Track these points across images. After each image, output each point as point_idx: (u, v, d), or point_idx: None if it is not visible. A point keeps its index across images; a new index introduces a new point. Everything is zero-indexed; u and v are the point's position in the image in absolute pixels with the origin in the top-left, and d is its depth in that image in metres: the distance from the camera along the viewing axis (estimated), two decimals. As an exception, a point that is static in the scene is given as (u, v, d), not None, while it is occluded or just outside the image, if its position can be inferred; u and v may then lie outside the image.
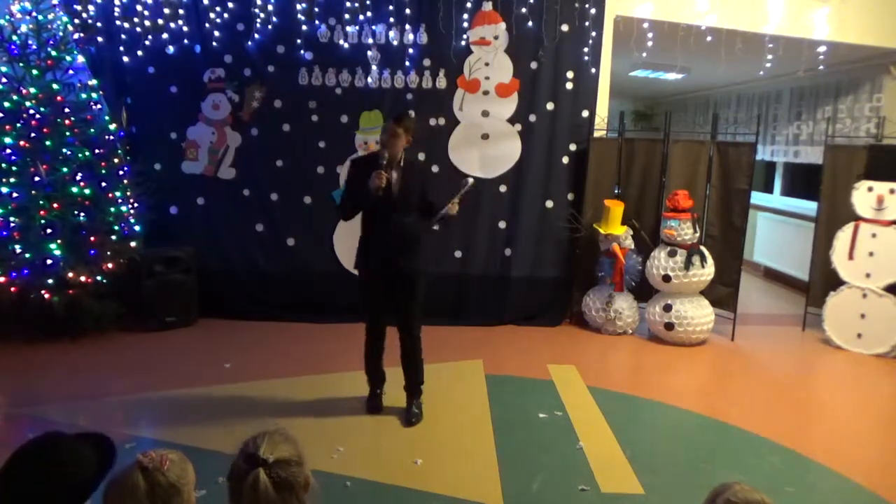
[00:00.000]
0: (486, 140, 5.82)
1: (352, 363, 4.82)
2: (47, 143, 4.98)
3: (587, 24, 5.68)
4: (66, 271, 4.90)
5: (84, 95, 5.25)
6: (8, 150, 4.89)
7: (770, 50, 5.91)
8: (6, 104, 4.92)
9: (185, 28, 5.64)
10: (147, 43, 5.64)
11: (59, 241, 4.91)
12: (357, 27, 5.67)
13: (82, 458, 1.55)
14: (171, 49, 5.69)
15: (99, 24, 5.60)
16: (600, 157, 5.89)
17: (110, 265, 5.18)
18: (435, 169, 5.83)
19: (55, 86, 5.08)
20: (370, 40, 5.69)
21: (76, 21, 5.44)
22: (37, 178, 4.91)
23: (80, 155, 5.12)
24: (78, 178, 5.07)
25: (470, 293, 5.94)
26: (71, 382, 4.35)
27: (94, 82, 5.37)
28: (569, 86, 5.82)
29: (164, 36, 5.64)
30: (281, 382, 4.43)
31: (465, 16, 5.65)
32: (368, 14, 5.63)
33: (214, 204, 5.86)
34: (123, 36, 5.64)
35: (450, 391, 4.13)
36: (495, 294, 5.95)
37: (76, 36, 5.35)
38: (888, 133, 5.81)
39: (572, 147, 5.91)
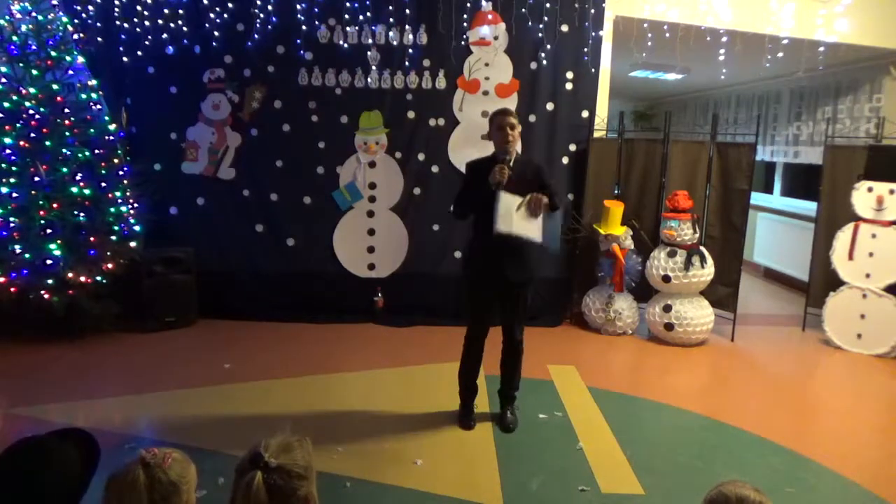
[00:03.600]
0: (485, 140, 5.80)
1: (352, 364, 4.84)
2: (47, 143, 4.97)
3: (587, 24, 5.68)
4: (66, 271, 4.90)
5: (84, 96, 5.24)
6: (8, 151, 4.88)
7: (770, 50, 5.91)
8: (6, 104, 4.91)
9: (184, 28, 5.64)
10: (147, 43, 5.64)
11: (58, 242, 4.91)
12: (357, 27, 5.67)
13: (67, 459, 1.55)
14: (170, 49, 5.69)
15: (98, 25, 5.61)
16: (600, 157, 5.89)
17: (110, 265, 5.17)
18: (434, 169, 5.84)
19: (55, 86, 5.07)
20: (370, 41, 5.69)
21: (76, 21, 5.45)
22: (36, 179, 4.91)
23: (79, 155, 5.11)
24: (78, 178, 5.06)
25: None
26: (70, 382, 4.34)
27: (93, 83, 5.36)
28: (568, 86, 5.82)
29: (164, 36, 5.64)
30: (281, 383, 4.42)
31: (465, 16, 5.65)
32: (368, 14, 5.63)
33: (214, 204, 5.86)
34: (123, 36, 5.65)
35: (450, 392, 4.12)
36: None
37: (76, 36, 5.35)
38: (888, 133, 5.81)
39: (572, 147, 5.91)
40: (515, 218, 3.44)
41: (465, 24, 5.67)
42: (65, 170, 5.02)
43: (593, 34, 5.71)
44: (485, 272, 3.64)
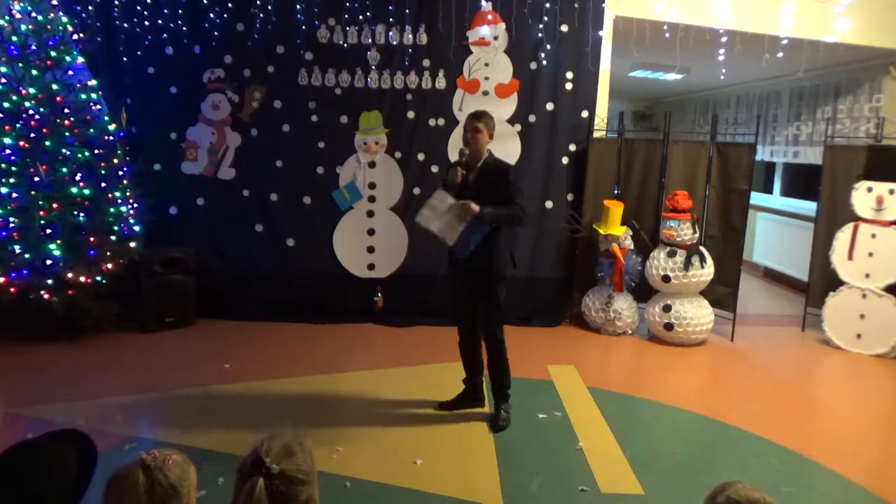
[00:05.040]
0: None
1: (352, 363, 4.84)
2: (47, 143, 4.97)
3: (587, 24, 5.68)
4: (66, 272, 4.90)
5: (84, 96, 5.24)
6: (7, 151, 4.88)
7: (770, 50, 5.91)
8: (6, 104, 4.91)
9: (184, 28, 5.64)
10: (147, 43, 5.65)
11: (58, 242, 4.91)
12: (357, 27, 5.67)
13: (65, 461, 1.54)
14: (170, 49, 5.69)
15: (98, 25, 5.60)
16: (600, 157, 5.90)
17: (110, 265, 5.17)
18: (434, 169, 5.84)
19: (55, 86, 5.07)
20: (370, 41, 5.70)
21: (76, 21, 5.44)
22: (36, 179, 4.91)
23: (79, 155, 5.12)
24: (77, 178, 5.07)
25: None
26: (70, 382, 4.34)
27: (93, 83, 5.36)
28: (568, 86, 5.82)
29: (164, 36, 5.64)
30: (280, 383, 4.43)
31: (465, 16, 5.65)
32: (368, 14, 5.63)
33: (214, 204, 5.86)
34: (123, 36, 5.65)
35: (450, 392, 4.12)
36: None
37: (76, 36, 5.35)
38: (888, 133, 5.81)
39: (572, 147, 5.91)
40: (439, 214, 3.60)
41: (465, 24, 5.67)
42: (64, 170, 5.03)
43: (593, 34, 5.71)
44: (455, 269, 3.80)
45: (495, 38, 5.74)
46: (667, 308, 5.44)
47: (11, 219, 4.84)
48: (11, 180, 4.89)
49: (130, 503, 1.39)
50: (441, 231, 3.60)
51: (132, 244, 5.37)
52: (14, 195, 4.87)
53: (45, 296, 4.85)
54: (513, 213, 3.68)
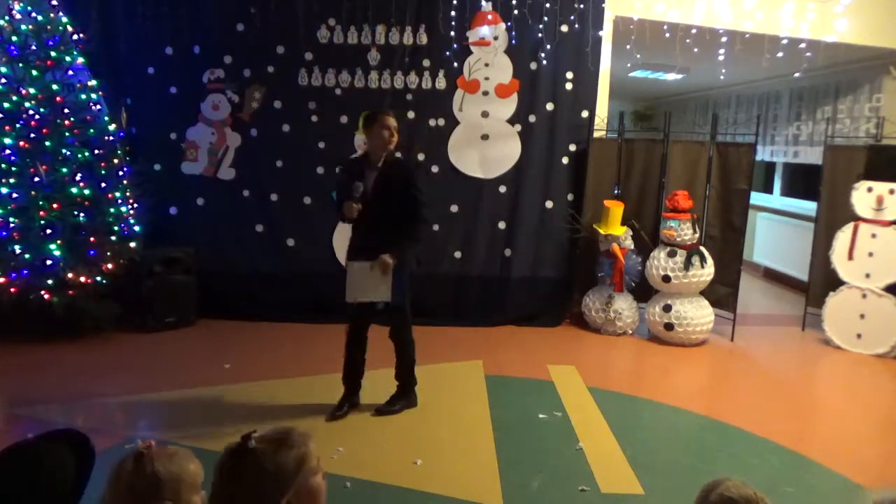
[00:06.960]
0: (485, 140, 5.82)
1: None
2: (47, 143, 4.97)
3: (587, 24, 5.69)
4: (66, 272, 4.90)
5: (84, 96, 5.24)
6: (8, 151, 4.88)
7: (770, 50, 5.91)
8: (6, 105, 4.91)
9: (184, 28, 5.63)
10: (146, 43, 5.65)
11: (58, 242, 4.91)
12: (357, 27, 5.67)
13: (60, 462, 1.54)
14: (170, 49, 5.69)
15: (98, 25, 5.60)
16: (600, 157, 5.89)
17: (110, 266, 5.17)
18: (435, 169, 5.84)
19: (55, 86, 5.07)
20: (370, 40, 5.70)
21: (76, 21, 5.44)
22: (36, 179, 4.91)
23: (79, 155, 5.12)
24: (77, 178, 5.07)
25: (470, 294, 5.94)
26: (71, 382, 4.34)
27: (93, 83, 5.36)
28: (568, 86, 5.82)
29: (164, 36, 5.64)
30: (280, 383, 4.43)
31: (465, 16, 5.65)
32: (368, 14, 5.63)
33: (214, 204, 5.86)
34: (123, 36, 5.65)
35: (450, 391, 4.13)
36: (495, 294, 5.95)
37: (76, 36, 5.35)
38: (888, 133, 5.81)
39: (572, 147, 5.91)
40: (364, 285, 3.80)
41: (465, 24, 5.67)
42: (65, 170, 5.03)
43: (593, 34, 5.71)
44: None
45: (495, 38, 5.74)
46: (667, 308, 5.44)
47: (11, 219, 4.84)
48: (11, 180, 4.89)
49: (116, 489, 1.41)
50: (377, 296, 3.81)
51: (132, 244, 5.37)
52: (14, 195, 4.87)
53: (45, 296, 4.85)
54: (419, 233, 3.87)
